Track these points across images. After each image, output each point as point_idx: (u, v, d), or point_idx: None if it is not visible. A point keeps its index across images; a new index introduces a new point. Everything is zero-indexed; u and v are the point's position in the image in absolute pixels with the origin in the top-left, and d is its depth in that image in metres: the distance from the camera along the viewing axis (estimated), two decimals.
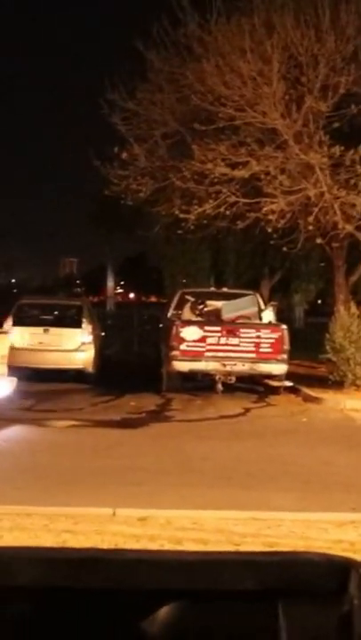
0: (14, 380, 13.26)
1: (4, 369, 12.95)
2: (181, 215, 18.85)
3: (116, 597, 1.65)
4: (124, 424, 14.05)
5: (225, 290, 21.21)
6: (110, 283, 64.09)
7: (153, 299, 75.50)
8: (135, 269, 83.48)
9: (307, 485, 9.55)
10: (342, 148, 17.16)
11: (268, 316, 19.04)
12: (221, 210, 18.69)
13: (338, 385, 17.80)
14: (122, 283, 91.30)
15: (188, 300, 19.68)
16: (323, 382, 18.28)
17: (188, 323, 17.98)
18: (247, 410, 16.12)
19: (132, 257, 79.24)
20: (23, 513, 7.56)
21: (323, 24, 17.55)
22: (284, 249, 19.86)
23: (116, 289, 68.10)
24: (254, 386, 18.65)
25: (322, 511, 8.02)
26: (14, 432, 12.94)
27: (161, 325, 21.80)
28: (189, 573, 1.67)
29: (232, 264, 29.11)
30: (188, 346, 17.40)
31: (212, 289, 21.43)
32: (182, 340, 17.40)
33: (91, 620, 1.63)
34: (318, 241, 19.39)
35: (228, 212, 18.70)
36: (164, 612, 1.62)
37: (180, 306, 19.83)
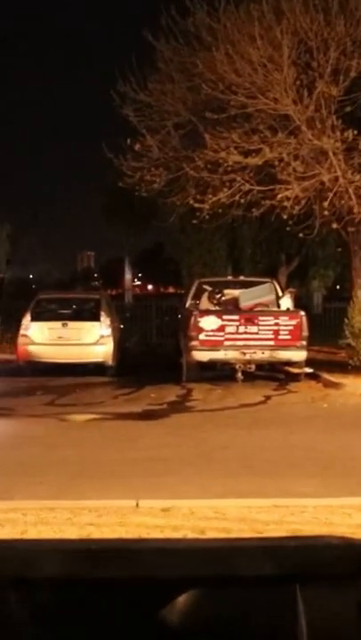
0: None
1: None
2: (196, 205, 18.82)
3: (136, 586, 1.66)
4: (146, 416, 14.07)
5: (242, 278, 21.17)
6: (128, 275, 64.08)
7: (171, 289, 75.39)
8: (152, 261, 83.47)
9: (329, 471, 9.52)
10: (355, 132, 17.07)
11: (286, 303, 19.01)
12: (236, 198, 18.64)
13: (358, 370, 17.76)
14: (139, 275, 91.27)
15: (205, 290, 19.67)
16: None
17: (207, 312, 17.97)
18: (268, 398, 16.11)
19: (148, 248, 79.19)
20: (46, 507, 7.58)
21: (332, 8, 17.45)
22: (301, 235, 19.79)
23: (133, 281, 68.09)
24: (274, 373, 18.64)
25: (345, 496, 7.99)
26: (36, 427, 12.97)
27: (179, 316, 21.81)
28: (207, 561, 1.67)
29: (248, 252, 29.05)
30: (206, 335, 17.39)
31: (230, 278, 21.39)
32: (201, 330, 17.39)
33: (111, 609, 1.64)
34: (334, 226, 19.32)
35: (242, 201, 18.65)
36: (183, 599, 1.62)
37: (197, 296, 19.83)
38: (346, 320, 18.33)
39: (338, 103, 17.79)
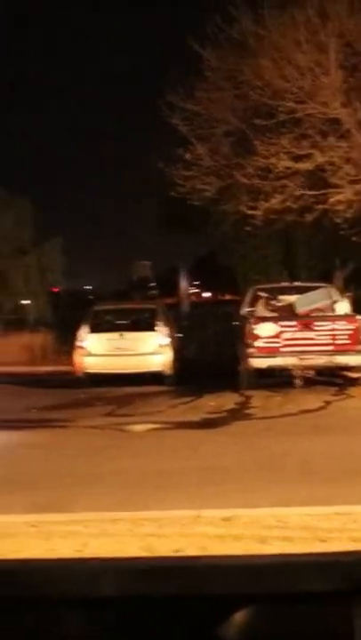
0: None
1: None
2: (249, 212, 18.79)
3: (192, 604, 1.66)
4: (205, 424, 14.06)
5: (297, 284, 21.09)
6: (183, 283, 64.08)
7: (228, 296, 75.18)
8: (207, 268, 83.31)
9: None
10: None
11: (344, 307, 18.88)
12: (289, 204, 18.58)
13: None
14: (195, 283, 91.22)
15: (261, 297, 19.63)
16: None
17: (263, 319, 17.92)
18: (328, 403, 15.99)
19: (202, 256, 79.15)
20: (108, 519, 7.61)
21: None
22: (354, 239, 19.66)
23: (189, 289, 68.09)
24: (333, 379, 18.51)
25: None
26: (95, 438, 13.04)
27: (236, 323, 21.77)
28: (260, 577, 1.67)
29: (303, 257, 28.87)
30: (263, 342, 17.35)
31: (285, 283, 21.31)
32: (257, 337, 17.36)
33: (168, 627, 1.65)
34: None
35: (295, 206, 18.58)
36: (237, 617, 1.62)
37: (253, 302, 19.79)
38: None
39: None
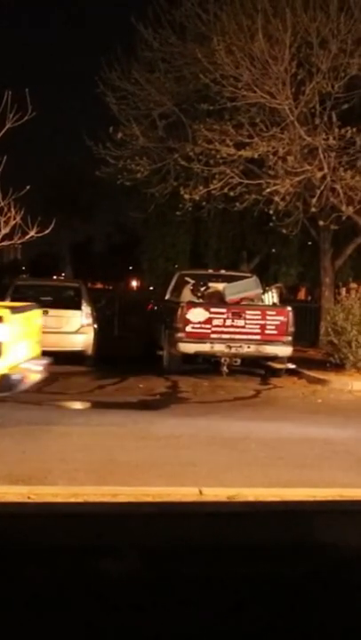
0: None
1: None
2: (186, 196, 18.71)
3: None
4: (144, 406, 13.90)
5: (223, 272, 21.10)
6: (67, 269, 63.66)
7: (99, 285, 74.90)
8: (82, 256, 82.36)
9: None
10: (354, 129, 17.18)
11: (271, 297, 19.02)
12: (225, 191, 18.58)
13: (338, 367, 17.82)
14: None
15: (186, 283, 19.54)
16: (319, 365, 18.32)
17: (194, 304, 17.86)
18: (258, 392, 16.08)
19: (80, 243, 78.15)
20: (108, 493, 7.45)
21: (330, 6, 17.51)
22: (284, 231, 19.83)
23: (60, 275, 67.13)
24: (253, 368, 18.60)
25: None
26: (41, 413, 12.74)
27: (156, 308, 21.64)
28: None
29: (213, 248, 28.99)
30: (193, 328, 17.29)
31: (210, 271, 21.28)
32: (188, 322, 17.28)
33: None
34: (321, 223, 19.41)
35: (231, 194, 18.59)
36: None
37: (177, 288, 19.70)
38: (328, 317, 18.41)
39: (334, 100, 17.85)
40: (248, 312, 17.62)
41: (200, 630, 1.42)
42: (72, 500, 7.24)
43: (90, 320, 19.14)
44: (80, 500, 7.29)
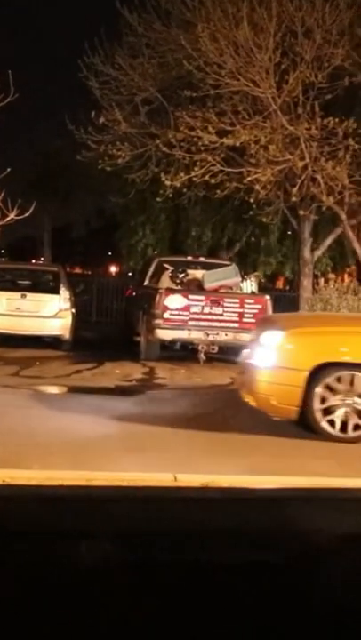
0: None
1: None
2: (168, 182, 18.69)
3: None
4: (120, 391, 13.93)
5: (202, 259, 21.11)
6: (46, 253, 63.28)
7: (77, 270, 74.77)
8: (61, 241, 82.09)
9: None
10: (336, 120, 17.22)
11: (250, 286, 19.07)
12: (206, 178, 18.59)
13: None
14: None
15: (165, 269, 19.55)
16: None
17: (173, 291, 17.87)
18: (234, 380, 16.10)
19: (58, 228, 77.90)
20: (83, 478, 7.42)
21: None
22: (264, 220, 19.86)
23: (39, 259, 66.95)
24: (227, 356, 18.61)
25: None
26: (17, 397, 12.72)
27: (134, 294, 21.64)
28: None
29: (194, 235, 28.96)
30: (171, 314, 17.30)
31: (189, 258, 21.27)
32: (166, 309, 17.29)
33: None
34: (301, 212, 19.46)
35: (212, 181, 18.59)
36: None
37: (156, 274, 19.70)
38: (306, 307, 18.51)
39: (317, 90, 17.88)
40: (226, 300, 17.65)
41: (172, 615, 1.43)
42: (47, 483, 7.24)
43: (68, 305, 19.10)
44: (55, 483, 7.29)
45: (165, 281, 19.07)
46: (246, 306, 17.61)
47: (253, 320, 17.46)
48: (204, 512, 1.74)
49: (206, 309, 17.46)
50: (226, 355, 18.52)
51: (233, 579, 1.48)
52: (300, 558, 1.55)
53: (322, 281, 18.50)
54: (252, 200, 18.79)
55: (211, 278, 18.65)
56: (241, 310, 17.54)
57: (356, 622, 1.44)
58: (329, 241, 22.70)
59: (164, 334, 17.41)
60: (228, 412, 11.83)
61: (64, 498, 1.90)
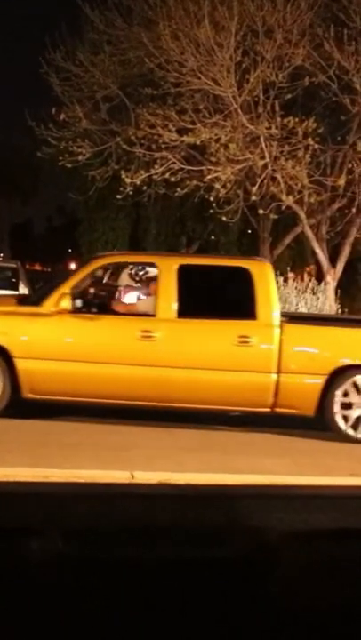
0: None
1: None
2: (128, 180, 18.66)
3: None
4: None
5: None
6: (6, 250, 63.08)
7: (37, 267, 74.56)
8: (21, 237, 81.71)
9: (288, 451, 9.66)
10: (296, 119, 17.31)
11: None
12: (166, 176, 18.59)
13: None
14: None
15: (125, 266, 19.47)
16: None
17: (132, 288, 17.81)
18: None
19: (19, 224, 77.45)
20: (41, 475, 7.43)
21: None
22: (224, 218, 19.89)
23: None
24: None
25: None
26: None
27: (92, 291, 21.52)
28: None
29: (153, 232, 29.02)
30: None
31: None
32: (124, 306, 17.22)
33: None
34: (261, 212, 19.52)
35: (173, 179, 18.60)
36: None
37: (115, 271, 19.62)
38: None
39: (278, 90, 17.94)
40: None
41: (125, 612, 1.43)
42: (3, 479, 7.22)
43: None
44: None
45: (125, 278, 18.99)
46: None
47: None
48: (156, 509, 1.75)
49: None
50: None
51: (165, 573, 1.49)
52: (248, 554, 1.56)
53: (281, 280, 18.43)
54: (212, 198, 18.78)
55: None
56: None
57: (298, 617, 1.45)
58: (288, 240, 22.82)
59: None
60: None
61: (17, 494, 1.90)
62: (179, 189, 19.33)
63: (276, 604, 1.47)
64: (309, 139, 17.60)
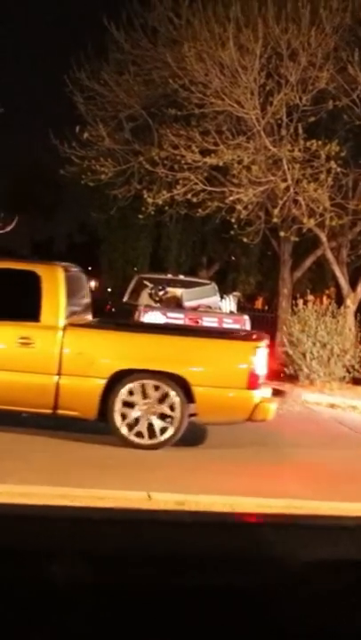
0: None
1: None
2: (150, 200, 18.73)
3: None
4: None
5: (182, 277, 21.15)
6: None
7: None
8: (44, 255, 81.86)
9: (325, 478, 9.61)
10: (319, 142, 17.33)
11: (229, 305, 19.09)
12: (188, 196, 18.65)
13: (292, 378, 17.91)
14: None
15: (145, 286, 19.56)
16: (273, 375, 18.34)
17: (152, 308, 17.87)
18: None
19: (41, 242, 77.79)
20: (56, 495, 7.41)
21: (303, 19, 17.62)
22: (245, 240, 19.92)
23: None
24: None
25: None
26: None
27: (113, 310, 21.63)
28: None
29: (174, 253, 29.02)
30: None
31: (170, 276, 21.31)
32: None
33: None
34: (282, 234, 19.54)
35: (195, 200, 18.65)
36: None
37: (136, 291, 19.71)
38: (284, 328, 18.51)
39: (301, 112, 17.99)
40: (205, 318, 17.66)
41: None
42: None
43: None
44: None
45: (145, 298, 19.06)
46: (225, 325, 17.61)
47: None
48: None
49: None
50: None
51: None
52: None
53: (301, 302, 18.39)
54: (233, 220, 18.82)
55: (190, 296, 18.68)
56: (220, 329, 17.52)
57: None
58: (309, 262, 22.79)
59: None
60: None
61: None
62: (200, 210, 19.38)
63: None
64: (332, 162, 17.61)
